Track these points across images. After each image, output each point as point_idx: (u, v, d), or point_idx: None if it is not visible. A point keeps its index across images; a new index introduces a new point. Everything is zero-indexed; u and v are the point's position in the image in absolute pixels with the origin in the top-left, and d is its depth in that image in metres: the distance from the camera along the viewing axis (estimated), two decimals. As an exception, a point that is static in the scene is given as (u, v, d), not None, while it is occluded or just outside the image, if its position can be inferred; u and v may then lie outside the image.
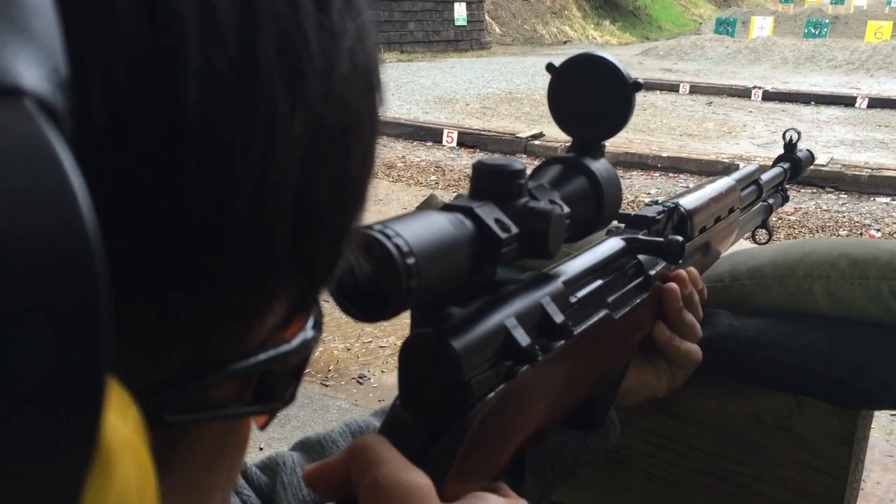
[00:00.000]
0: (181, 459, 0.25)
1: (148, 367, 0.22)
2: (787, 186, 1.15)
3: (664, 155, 7.18)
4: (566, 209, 0.52)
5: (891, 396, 0.75)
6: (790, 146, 1.16)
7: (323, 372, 3.23)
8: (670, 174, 6.95)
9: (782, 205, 1.13)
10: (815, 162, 6.76)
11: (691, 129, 8.76)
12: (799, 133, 1.17)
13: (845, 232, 5.47)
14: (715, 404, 0.83)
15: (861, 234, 5.43)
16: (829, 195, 6.37)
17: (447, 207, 0.45)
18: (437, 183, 6.52)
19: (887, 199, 6.27)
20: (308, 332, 0.29)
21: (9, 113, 0.15)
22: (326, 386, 3.12)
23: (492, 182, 0.47)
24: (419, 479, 0.39)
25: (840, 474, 0.80)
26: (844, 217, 5.83)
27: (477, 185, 0.48)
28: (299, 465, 0.62)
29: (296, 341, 0.28)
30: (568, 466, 0.68)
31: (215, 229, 0.21)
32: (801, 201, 6.12)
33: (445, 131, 7.99)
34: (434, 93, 10.62)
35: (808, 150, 1.22)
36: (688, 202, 0.78)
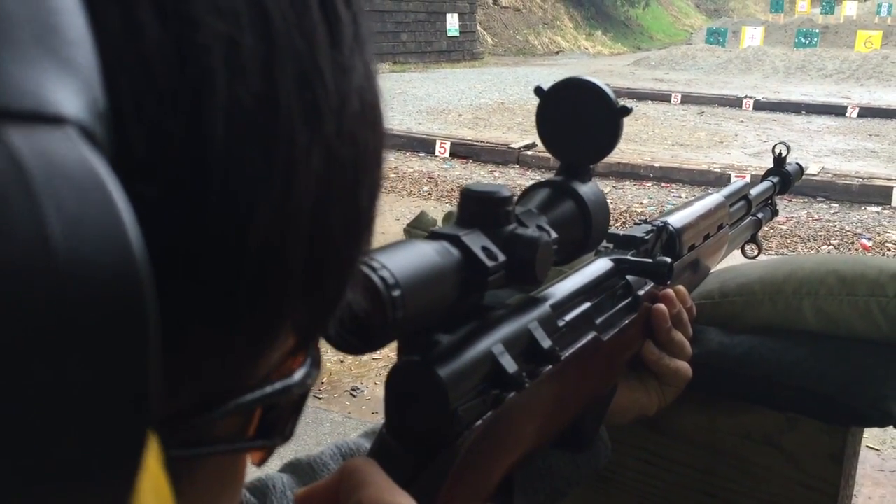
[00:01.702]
0: (184, 493, 0.25)
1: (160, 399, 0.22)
2: (776, 199, 1.15)
3: (656, 165, 7.20)
4: (554, 234, 0.52)
5: (879, 414, 0.75)
6: (779, 160, 1.17)
7: (316, 385, 3.22)
8: (663, 184, 6.97)
9: (771, 219, 1.14)
10: (807, 171, 6.80)
11: (683, 138, 8.78)
12: (788, 147, 1.17)
13: (836, 241, 5.49)
14: (705, 421, 0.83)
15: (852, 243, 5.45)
16: (821, 204, 6.39)
17: (434, 235, 0.45)
18: (429, 194, 6.53)
19: (878, 208, 6.30)
20: (308, 368, 0.29)
21: (55, 140, 0.15)
22: (319, 399, 3.12)
23: (479, 209, 0.48)
24: (403, 502, 0.39)
25: (831, 491, 0.80)
26: (836, 226, 5.85)
27: (464, 212, 0.48)
28: (289, 487, 0.62)
29: (297, 376, 0.28)
30: (558, 487, 0.68)
31: (236, 259, 0.22)
32: (792, 211, 6.14)
33: (438, 142, 8.00)
34: (427, 103, 10.64)
35: (797, 163, 1.22)
36: (676, 220, 0.79)
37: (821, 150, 8.15)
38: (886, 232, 5.73)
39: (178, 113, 0.20)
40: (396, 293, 0.39)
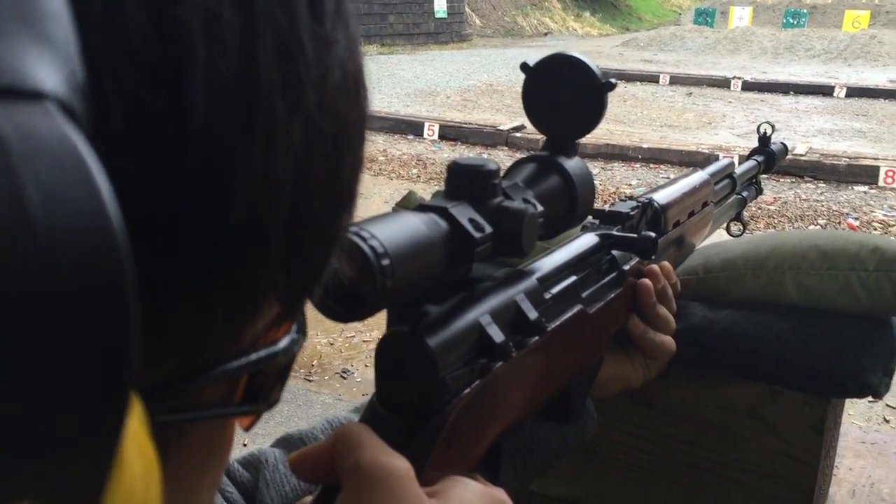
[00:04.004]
0: (172, 459, 0.26)
1: (145, 367, 0.23)
2: (762, 178, 1.17)
3: (645, 146, 7.21)
4: (540, 208, 0.53)
5: (858, 385, 0.77)
6: (764, 139, 1.18)
7: (306, 367, 3.23)
8: (651, 165, 6.99)
9: (756, 197, 1.15)
10: (795, 152, 6.82)
11: (671, 119, 8.80)
12: (773, 126, 1.18)
13: (823, 221, 5.52)
14: (690, 394, 0.85)
15: (839, 222, 5.48)
16: (808, 184, 6.43)
17: (422, 207, 0.46)
18: (418, 176, 6.52)
19: (865, 188, 6.34)
20: (294, 335, 0.30)
21: (33, 115, 0.15)
22: (310, 381, 3.13)
23: (466, 182, 0.48)
24: (399, 463, 0.40)
25: (811, 461, 0.82)
26: (823, 206, 5.88)
27: (451, 185, 0.48)
28: (281, 461, 0.63)
29: (283, 343, 0.29)
30: (545, 458, 0.69)
31: (217, 231, 0.22)
32: (780, 190, 6.17)
33: (427, 124, 7.99)
34: (415, 86, 10.62)
35: (781, 142, 1.24)
36: (661, 197, 0.80)
37: (808, 131, 8.18)
38: (873, 211, 5.77)
39: (157, 86, 0.20)
40: (386, 262, 0.40)
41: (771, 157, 1.17)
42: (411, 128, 8.03)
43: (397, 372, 0.46)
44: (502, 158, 7.27)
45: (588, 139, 7.73)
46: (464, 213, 0.46)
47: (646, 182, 6.44)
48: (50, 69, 0.16)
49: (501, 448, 0.58)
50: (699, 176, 0.91)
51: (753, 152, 1.18)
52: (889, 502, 0.96)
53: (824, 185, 6.43)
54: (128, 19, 0.19)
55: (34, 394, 0.15)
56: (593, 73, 0.58)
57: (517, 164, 0.60)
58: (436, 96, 9.93)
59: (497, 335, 0.49)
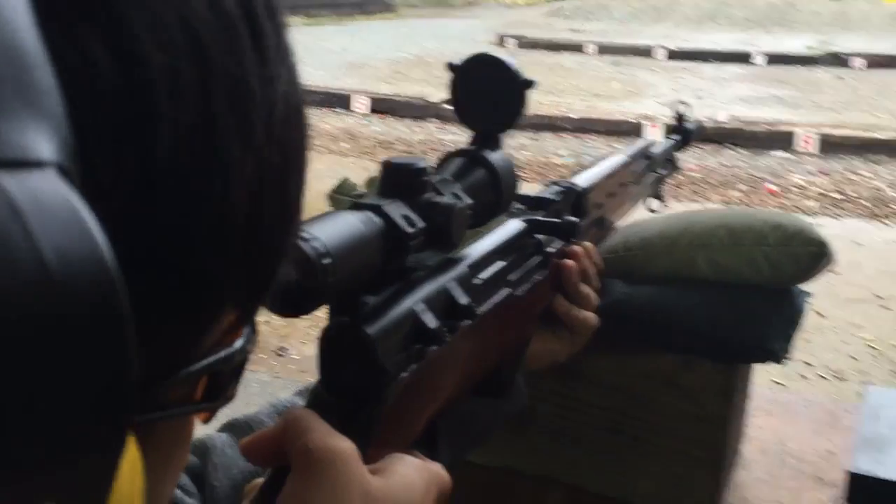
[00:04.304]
0: (145, 456, 0.28)
1: None
2: (677, 156, 1.23)
3: (573, 116, 7.32)
4: (468, 200, 0.56)
5: (763, 351, 0.84)
6: (680, 118, 1.24)
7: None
8: (579, 135, 7.09)
9: (672, 174, 1.21)
10: (717, 119, 6.99)
11: (599, 89, 8.92)
12: (688, 105, 1.25)
13: (745, 187, 5.70)
14: (612, 365, 0.91)
15: (759, 187, 5.67)
16: (730, 151, 6.62)
17: (358, 206, 0.50)
18: (349, 150, 6.50)
19: (783, 154, 6.56)
20: (248, 335, 0.33)
21: (40, 182, 0.18)
22: (247, 359, 3.14)
23: (398, 180, 0.52)
24: (344, 444, 0.43)
25: (722, 423, 0.89)
26: (744, 172, 6.07)
27: (385, 183, 0.52)
28: (229, 445, 0.66)
29: (238, 343, 0.32)
30: (479, 432, 0.74)
31: (184, 258, 0.26)
32: (703, 158, 6.34)
33: (356, 97, 7.94)
34: (343, 58, 10.52)
35: (697, 120, 1.30)
36: (583, 181, 0.85)
37: (730, 98, 8.39)
38: (791, 176, 5.98)
39: (130, 141, 0.23)
40: (327, 261, 0.43)
41: (687, 135, 1.24)
42: (340, 101, 7.96)
43: (339, 360, 0.49)
44: (432, 131, 7.29)
45: (517, 110, 7.77)
46: (397, 210, 0.49)
47: (575, 152, 6.54)
48: (47, 139, 0.19)
49: (438, 425, 0.62)
50: (618, 158, 0.97)
51: (670, 131, 1.24)
52: (796, 458, 1.04)
53: (745, 151, 6.63)
54: (103, 84, 0.23)
55: (60, 411, 0.18)
56: (515, 72, 0.62)
57: (447, 158, 0.64)
58: (365, 69, 9.86)
59: (431, 322, 0.52)
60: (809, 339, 3.39)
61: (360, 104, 7.87)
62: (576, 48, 11.57)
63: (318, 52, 10.72)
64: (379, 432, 0.51)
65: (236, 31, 0.27)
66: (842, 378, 3.20)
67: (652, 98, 8.49)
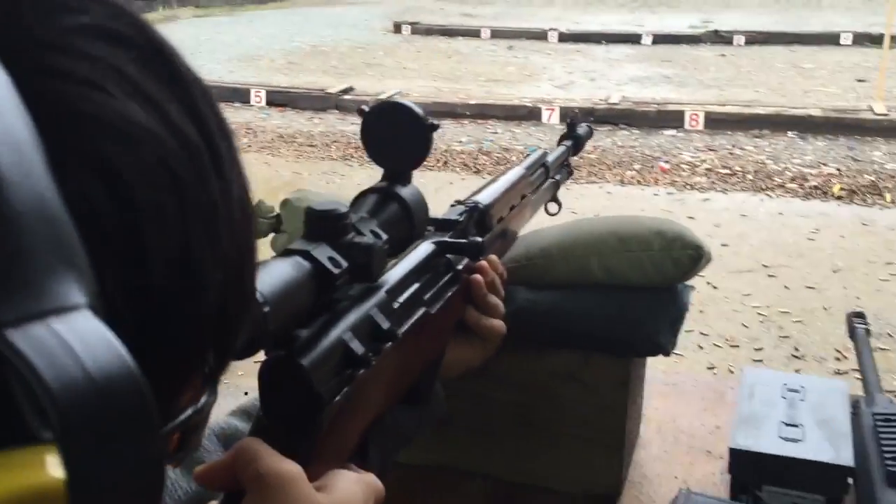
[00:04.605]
0: None
1: None
2: (570, 161, 1.32)
3: (471, 102, 7.43)
4: (384, 236, 0.63)
5: (652, 345, 0.94)
6: (571, 126, 1.33)
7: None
8: (479, 121, 7.21)
9: (567, 179, 1.30)
10: (609, 100, 7.20)
11: (495, 74, 9.06)
12: (578, 113, 1.34)
13: (638, 166, 5.92)
14: (520, 364, 1.00)
15: (652, 166, 5.91)
16: (623, 132, 6.85)
17: (287, 252, 0.56)
18: (249, 146, 6.44)
19: (673, 132, 6.82)
20: (210, 393, 0.39)
21: (79, 321, 0.24)
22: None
23: (322, 225, 0.58)
24: (291, 467, 0.49)
25: (620, 410, 0.99)
26: (637, 151, 6.30)
27: (310, 229, 0.58)
28: (171, 469, 0.71)
29: (202, 401, 0.38)
30: (404, 438, 0.81)
31: (171, 344, 0.32)
32: (598, 139, 6.53)
33: (253, 91, 7.85)
34: (237, 50, 10.35)
35: (587, 125, 1.40)
36: (484, 198, 0.92)
37: (621, 79, 8.65)
38: (681, 154, 6.24)
39: (131, 272, 0.29)
40: (266, 309, 0.49)
41: (579, 141, 1.33)
42: (237, 95, 7.85)
43: (279, 390, 0.55)
44: (333, 122, 7.28)
45: (417, 98, 7.87)
46: (323, 253, 0.55)
47: (475, 139, 6.66)
48: (79, 286, 0.25)
49: (368, 436, 0.69)
50: (516, 171, 1.05)
51: (563, 138, 1.33)
52: (688, 434, 1.15)
53: (637, 131, 6.87)
54: (107, 228, 0.28)
55: (125, 464, 0.24)
56: (420, 116, 0.70)
57: (361, 196, 0.70)
58: (260, 60, 9.73)
59: (358, 348, 0.58)
60: (703, 310, 3.59)
61: (257, 97, 7.78)
62: (471, 33, 11.68)
63: (211, 44, 10.52)
64: (318, 451, 0.56)
65: (201, 158, 0.33)
66: (735, 345, 3.41)
67: (547, 81, 8.68)
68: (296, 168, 6.01)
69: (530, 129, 7.06)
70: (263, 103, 7.75)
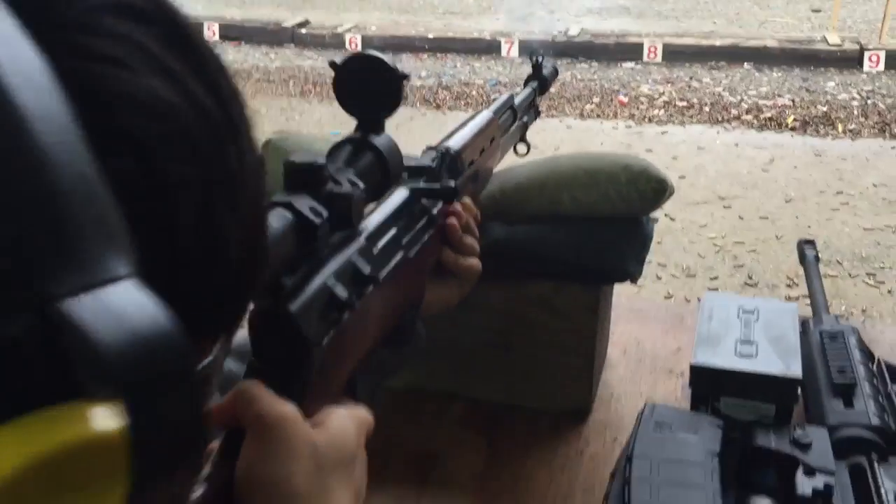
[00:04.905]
0: None
1: None
2: (537, 103, 1.37)
3: (430, 36, 7.37)
4: (361, 185, 0.65)
5: (620, 273, 1.01)
6: (537, 67, 1.37)
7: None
8: (438, 55, 7.16)
9: (535, 120, 1.35)
10: (568, 33, 7.17)
11: (453, 6, 8.96)
12: (543, 55, 1.38)
13: (598, 99, 5.97)
14: (497, 294, 1.06)
15: (611, 99, 5.96)
16: (583, 65, 6.87)
17: (270, 205, 0.56)
18: (207, 83, 6.33)
19: (632, 64, 6.86)
20: (224, 345, 0.42)
21: (126, 290, 0.25)
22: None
23: (302, 177, 0.59)
24: (289, 408, 0.51)
25: (591, 334, 1.06)
26: (596, 84, 6.33)
27: (290, 181, 0.59)
28: None
29: (215, 352, 0.39)
30: (388, 374, 0.85)
31: (201, 301, 0.34)
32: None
33: (206, 24, 7.68)
34: (188, -17, 10.06)
35: (552, 66, 1.44)
36: (455, 143, 0.94)
37: (579, 11, 8.61)
38: (639, 86, 6.30)
39: (163, 239, 0.31)
40: None
41: (544, 82, 1.37)
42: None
43: (269, 336, 0.57)
44: (289, 57, 7.18)
45: (374, 31, 7.77)
46: (304, 204, 0.57)
47: (434, 73, 6.63)
48: (124, 258, 0.26)
49: (355, 375, 0.73)
50: (485, 115, 1.08)
51: (529, 79, 1.37)
52: (651, 355, 1.24)
53: (596, 64, 6.89)
54: (139, 201, 0.30)
55: (176, 413, 0.27)
56: (391, 67, 0.72)
57: (336, 147, 0.71)
58: (212, -7, 9.50)
59: (342, 292, 0.60)
60: (661, 241, 3.70)
61: (210, 31, 7.62)
62: (427, -36, 11.48)
63: (161, -23, 10.19)
64: (310, 392, 0.59)
65: (220, 129, 0.34)
66: (691, 275, 3.53)
67: (505, 13, 8.62)
68: (253, 104, 5.92)
69: (490, 62, 7.04)
70: (217, 38, 7.60)
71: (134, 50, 0.31)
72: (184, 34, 0.34)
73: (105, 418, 0.24)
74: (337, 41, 7.41)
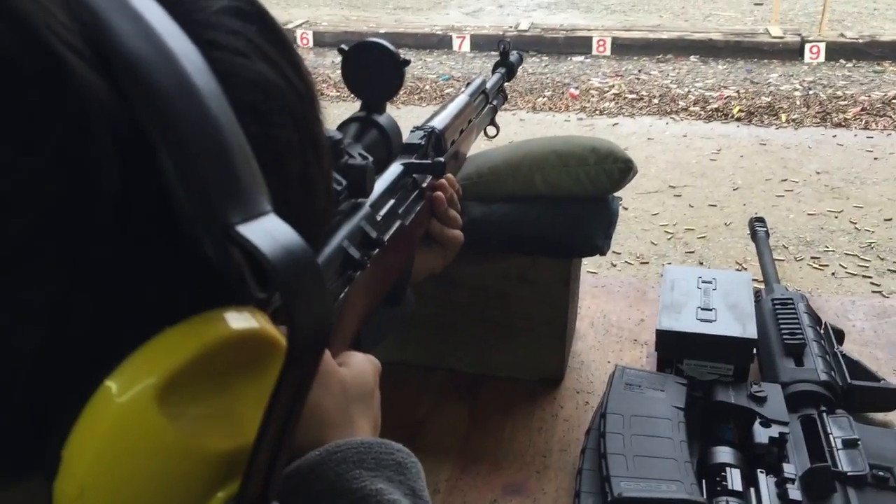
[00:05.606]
0: None
1: None
2: (505, 88, 1.44)
3: (382, 31, 7.41)
4: (370, 158, 0.74)
5: (590, 247, 1.09)
6: (504, 54, 1.44)
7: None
8: (391, 50, 7.20)
9: (504, 103, 1.43)
10: (519, 28, 7.27)
11: (403, 1, 9.01)
12: (509, 42, 1.45)
13: (549, 92, 6.08)
14: (476, 269, 1.13)
15: (563, 92, 6.07)
16: (534, 59, 6.97)
17: None
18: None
19: (582, 58, 6.99)
20: None
21: (273, 221, 0.32)
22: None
23: None
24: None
25: (562, 306, 1.14)
26: (548, 78, 6.44)
27: None
28: None
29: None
30: (384, 332, 0.93)
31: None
32: (510, 67, 6.64)
33: None
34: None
35: (518, 52, 1.51)
36: (439, 123, 1.02)
37: (529, 5, 8.74)
38: (590, 80, 6.42)
39: (281, 188, 0.36)
40: None
41: (511, 68, 1.45)
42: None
43: None
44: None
45: (326, 28, 7.79)
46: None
47: (388, 68, 6.65)
48: (266, 199, 0.33)
49: (360, 331, 0.81)
50: (462, 98, 1.16)
51: (497, 66, 1.44)
52: (617, 327, 1.32)
53: (547, 58, 7.01)
54: (262, 153, 0.36)
55: (321, 308, 0.34)
56: (394, 53, 0.80)
57: (344, 124, 0.80)
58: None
59: (355, 253, 0.68)
60: (615, 230, 3.81)
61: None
62: (377, -41, 11.50)
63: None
64: (331, 340, 0.69)
65: (308, 103, 0.41)
66: (645, 262, 3.64)
67: (456, 8, 8.69)
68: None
69: (442, 57, 7.12)
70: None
71: (247, 42, 0.37)
72: (274, 28, 0.41)
73: (263, 316, 0.33)
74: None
